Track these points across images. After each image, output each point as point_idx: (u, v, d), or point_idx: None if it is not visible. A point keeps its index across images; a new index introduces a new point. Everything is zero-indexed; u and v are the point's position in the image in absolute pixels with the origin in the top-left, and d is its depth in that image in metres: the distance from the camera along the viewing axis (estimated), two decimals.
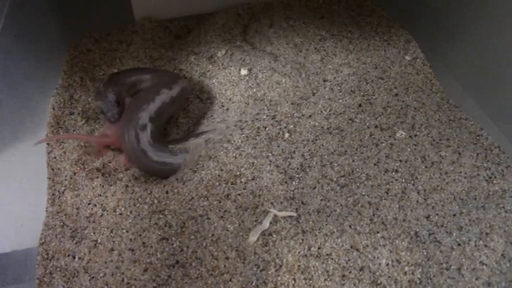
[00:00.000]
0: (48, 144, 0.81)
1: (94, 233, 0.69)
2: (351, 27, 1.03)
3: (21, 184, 0.76)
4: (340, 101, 0.85)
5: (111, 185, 0.74)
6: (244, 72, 0.88)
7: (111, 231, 0.68)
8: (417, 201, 0.70)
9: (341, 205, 0.70)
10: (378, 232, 0.66)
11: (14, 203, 0.74)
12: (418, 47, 0.98)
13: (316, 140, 0.79)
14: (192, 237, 0.67)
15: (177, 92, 0.83)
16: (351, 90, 0.87)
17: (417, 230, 0.67)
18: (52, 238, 0.69)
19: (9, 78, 0.83)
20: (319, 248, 0.64)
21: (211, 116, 0.86)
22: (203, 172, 0.74)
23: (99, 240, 0.68)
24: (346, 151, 0.77)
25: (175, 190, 0.72)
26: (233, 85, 0.87)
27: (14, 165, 0.78)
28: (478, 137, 0.80)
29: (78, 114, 0.86)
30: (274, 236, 0.66)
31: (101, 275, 0.65)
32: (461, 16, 0.90)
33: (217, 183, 0.73)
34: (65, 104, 0.87)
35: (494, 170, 0.74)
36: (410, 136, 0.79)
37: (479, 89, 0.86)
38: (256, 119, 0.81)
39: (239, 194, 0.72)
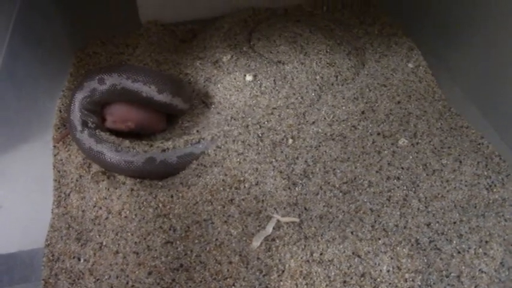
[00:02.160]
0: (54, 146, 0.82)
1: (99, 236, 0.70)
2: (355, 34, 1.04)
3: (27, 185, 0.77)
4: (344, 107, 0.86)
5: (116, 188, 0.74)
6: (249, 78, 0.89)
7: (116, 234, 0.69)
8: (418, 209, 0.71)
9: (343, 211, 0.71)
10: (379, 239, 0.67)
11: (21, 204, 0.75)
12: (420, 54, 0.99)
13: (319, 146, 0.80)
14: (196, 241, 0.68)
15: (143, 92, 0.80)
16: (354, 97, 0.88)
17: (418, 237, 0.68)
18: (58, 240, 0.70)
19: (17, 80, 0.84)
20: (321, 254, 0.65)
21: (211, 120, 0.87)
22: (208, 177, 0.75)
23: (104, 243, 0.69)
24: (348, 158, 0.78)
25: (180, 194, 0.73)
26: (238, 90, 0.88)
27: (20, 166, 0.79)
28: (479, 146, 0.81)
29: None
30: (277, 241, 0.67)
31: (106, 277, 0.66)
32: (464, 24, 0.91)
33: (221, 188, 0.74)
34: None
35: (494, 178, 0.75)
36: (412, 144, 0.80)
37: (481, 97, 0.87)
38: (260, 124, 0.82)
39: (243, 199, 0.73)
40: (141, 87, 0.79)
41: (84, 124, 0.78)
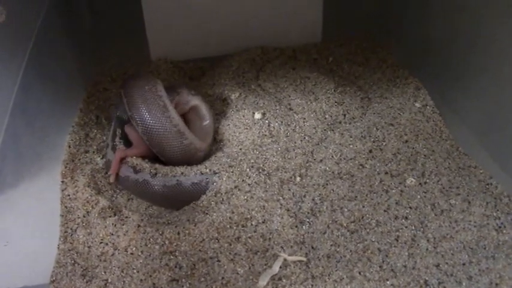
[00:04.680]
0: (63, 181, 0.82)
1: (105, 272, 0.69)
2: (362, 76, 1.06)
3: (35, 220, 0.77)
4: (351, 146, 0.87)
5: (123, 225, 0.74)
6: (258, 116, 0.89)
7: (122, 271, 0.69)
8: (427, 249, 0.71)
9: (351, 251, 0.70)
10: (387, 280, 0.66)
11: (28, 239, 0.75)
12: (427, 94, 0.99)
13: (326, 184, 0.80)
14: (202, 279, 0.67)
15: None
16: (362, 136, 0.88)
17: (426, 279, 0.67)
18: (63, 276, 0.69)
19: (29, 115, 0.86)
20: None
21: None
22: (214, 214, 0.75)
23: (109, 280, 0.68)
24: (356, 197, 0.78)
25: (187, 231, 0.73)
26: (246, 128, 0.89)
27: (29, 201, 0.79)
28: (487, 186, 0.80)
29: (93, 152, 0.88)
30: (284, 280, 0.67)
31: None
32: (471, 64, 0.91)
33: (228, 226, 0.73)
34: (80, 142, 0.89)
35: (503, 219, 0.74)
36: (420, 183, 0.80)
37: (489, 137, 0.87)
38: (268, 162, 0.83)
39: (249, 237, 0.72)
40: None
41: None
